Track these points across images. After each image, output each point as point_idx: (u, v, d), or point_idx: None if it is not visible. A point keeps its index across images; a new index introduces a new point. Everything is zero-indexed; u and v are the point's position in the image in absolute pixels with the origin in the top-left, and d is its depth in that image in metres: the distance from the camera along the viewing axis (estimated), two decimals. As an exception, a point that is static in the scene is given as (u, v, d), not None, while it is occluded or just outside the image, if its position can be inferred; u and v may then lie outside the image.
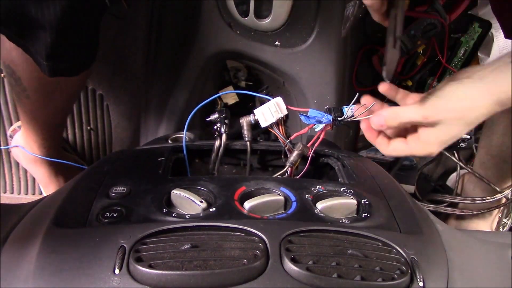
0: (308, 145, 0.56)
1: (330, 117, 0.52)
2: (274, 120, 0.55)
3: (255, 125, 0.57)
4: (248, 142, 0.58)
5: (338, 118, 0.52)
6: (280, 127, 0.56)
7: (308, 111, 0.53)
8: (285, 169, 0.56)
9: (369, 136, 0.53)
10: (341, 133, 0.96)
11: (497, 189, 0.87)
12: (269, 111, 0.55)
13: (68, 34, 0.56)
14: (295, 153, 0.55)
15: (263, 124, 0.55)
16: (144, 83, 0.95)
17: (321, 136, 0.55)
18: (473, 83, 0.45)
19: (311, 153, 0.55)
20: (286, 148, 0.57)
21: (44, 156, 0.85)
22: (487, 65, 0.46)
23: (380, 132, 0.53)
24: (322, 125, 0.54)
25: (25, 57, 0.59)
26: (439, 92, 0.47)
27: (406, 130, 0.52)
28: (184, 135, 0.57)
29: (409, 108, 0.48)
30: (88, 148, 1.02)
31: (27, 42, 0.56)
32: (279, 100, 0.55)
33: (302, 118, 0.54)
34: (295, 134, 0.57)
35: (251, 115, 0.57)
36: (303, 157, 0.56)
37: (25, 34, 0.54)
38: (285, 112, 0.55)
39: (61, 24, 0.53)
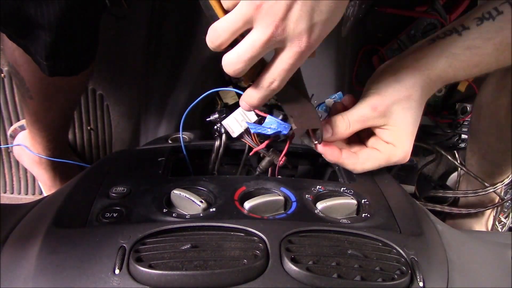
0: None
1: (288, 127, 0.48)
2: (242, 130, 0.53)
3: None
4: (247, 145, 0.58)
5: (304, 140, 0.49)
6: (251, 135, 0.54)
7: (267, 116, 0.48)
8: (255, 174, 0.56)
9: (331, 155, 0.49)
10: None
11: (486, 184, 0.88)
12: (236, 121, 0.53)
13: (67, 34, 0.56)
14: (266, 159, 0.55)
15: (233, 135, 0.54)
16: (144, 83, 0.95)
17: (287, 145, 0.52)
18: (403, 67, 0.48)
19: (281, 162, 0.53)
20: (261, 155, 0.56)
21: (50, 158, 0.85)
22: (412, 48, 0.50)
23: (340, 149, 0.50)
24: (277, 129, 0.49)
25: (27, 58, 0.59)
26: (376, 84, 0.48)
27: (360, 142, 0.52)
28: (181, 133, 0.57)
29: (356, 107, 0.48)
30: (88, 148, 1.02)
31: (27, 42, 0.56)
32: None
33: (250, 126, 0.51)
34: (263, 144, 0.53)
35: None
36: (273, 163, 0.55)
37: (24, 34, 0.54)
38: (254, 119, 0.52)
39: (60, 24, 0.53)
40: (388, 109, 0.47)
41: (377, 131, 0.50)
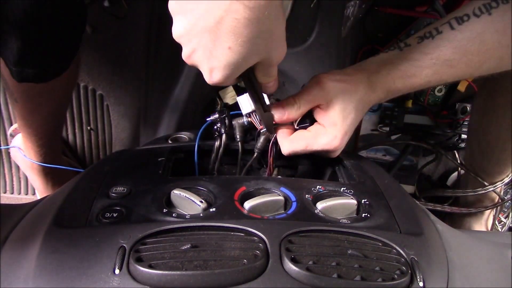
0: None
1: None
2: (250, 109, 0.53)
3: (255, 126, 0.57)
4: (239, 143, 0.58)
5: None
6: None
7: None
8: (254, 155, 0.57)
9: (279, 133, 0.54)
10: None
11: (485, 183, 0.88)
12: (247, 100, 0.53)
13: (34, 39, 0.54)
14: (261, 138, 0.56)
15: (243, 111, 0.55)
16: (144, 83, 0.95)
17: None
18: (353, 66, 0.54)
19: (274, 136, 0.55)
20: (259, 132, 0.57)
21: (40, 163, 0.83)
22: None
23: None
24: None
25: None
26: (327, 73, 0.52)
27: None
28: (197, 138, 0.57)
29: (305, 87, 0.52)
30: (88, 148, 1.02)
31: (0, 47, 0.54)
32: None
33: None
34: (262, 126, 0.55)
35: (244, 116, 0.57)
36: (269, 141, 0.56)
37: None
38: (267, 102, 0.54)
39: (25, 28, 0.51)
40: (331, 89, 0.50)
41: (316, 111, 0.53)
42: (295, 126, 0.54)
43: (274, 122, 0.52)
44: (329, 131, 0.51)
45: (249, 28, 0.36)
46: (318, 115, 0.52)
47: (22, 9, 0.49)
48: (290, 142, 0.52)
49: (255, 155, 0.57)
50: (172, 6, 0.40)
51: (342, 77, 0.51)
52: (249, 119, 0.56)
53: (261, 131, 0.56)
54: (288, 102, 0.52)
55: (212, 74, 0.42)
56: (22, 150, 0.86)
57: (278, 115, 0.51)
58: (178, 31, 0.41)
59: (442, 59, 0.50)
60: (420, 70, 0.50)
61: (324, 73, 0.52)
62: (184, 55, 0.44)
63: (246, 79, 0.47)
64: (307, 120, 0.54)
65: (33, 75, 0.59)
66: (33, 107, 0.72)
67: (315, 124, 0.53)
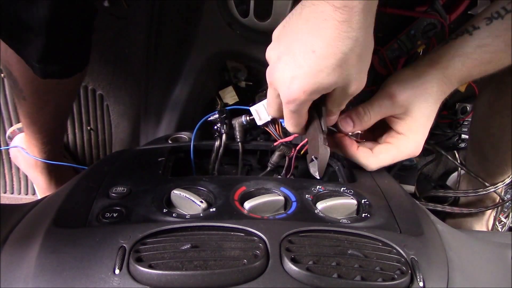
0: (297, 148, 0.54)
1: None
2: (269, 119, 0.54)
3: (255, 126, 0.57)
4: (240, 143, 0.58)
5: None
6: (276, 126, 0.55)
7: None
8: (267, 170, 0.56)
9: (349, 148, 0.51)
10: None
11: (486, 184, 0.88)
12: (264, 109, 0.53)
13: (58, 36, 0.56)
14: (276, 154, 0.55)
15: (258, 122, 0.54)
16: (144, 83, 0.95)
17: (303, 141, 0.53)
18: (422, 60, 0.51)
19: (294, 154, 0.53)
20: (272, 147, 0.56)
21: (45, 160, 0.85)
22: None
23: (358, 145, 0.52)
24: None
25: (19, 58, 0.59)
26: (397, 77, 0.50)
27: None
28: (193, 138, 0.57)
29: (374, 97, 0.50)
30: (88, 148, 1.02)
31: (19, 45, 0.56)
32: None
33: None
34: (281, 140, 0.54)
35: (243, 116, 0.56)
36: (284, 157, 0.55)
37: (16, 37, 0.54)
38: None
39: (50, 26, 0.53)
40: (405, 98, 0.48)
41: (392, 121, 0.51)
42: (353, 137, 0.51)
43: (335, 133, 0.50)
44: (412, 139, 0.49)
45: (336, 31, 0.34)
46: (396, 124, 0.50)
47: (48, 8, 0.50)
48: (376, 159, 0.50)
49: (267, 170, 0.56)
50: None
51: (415, 81, 0.48)
52: (266, 128, 0.55)
53: (277, 147, 0.54)
54: (357, 114, 0.49)
55: (292, 83, 0.38)
56: (24, 149, 0.86)
57: (345, 125, 0.49)
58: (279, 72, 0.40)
59: None
60: (495, 55, 0.48)
61: (394, 80, 0.49)
62: (270, 68, 0.41)
63: (313, 105, 0.43)
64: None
65: (57, 71, 0.61)
66: (41, 104, 0.73)
67: (393, 133, 0.51)
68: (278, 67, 0.39)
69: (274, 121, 0.55)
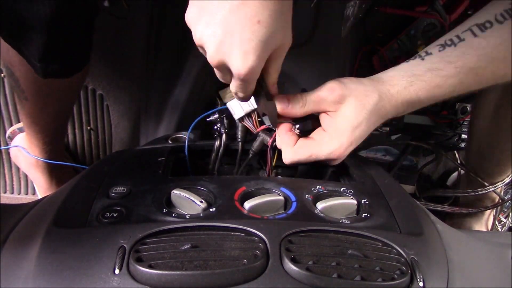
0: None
1: None
2: (243, 114, 0.54)
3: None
4: (240, 143, 0.58)
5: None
6: (253, 119, 0.55)
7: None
8: (249, 156, 0.56)
9: (282, 128, 0.52)
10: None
11: (486, 184, 0.88)
12: (239, 104, 0.54)
13: (59, 35, 0.56)
14: (258, 140, 0.56)
15: (235, 117, 0.55)
16: (144, 83, 0.95)
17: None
18: (372, 78, 0.51)
19: (270, 142, 0.54)
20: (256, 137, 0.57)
21: (47, 160, 0.85)
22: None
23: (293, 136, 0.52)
24: None
25: (21, 58, 0.59)
26: (341, 79, 0.50)
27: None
28: (188, 135, 0.57)
29: (315, 90, 0.50)
30: (88, 148, 1.02)
31: (20, 44, 0.56)
32: None
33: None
34: (262, 127, 0.55)
35: (237, 121, 0.57)
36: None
37: (17, 36, 0.54)
38: (255, 105, 0.53)
39: (52, 25, 0.53)
40: (343, 97, 0.48)
41: (323, 117, 0.51)
42: (295, 129, 0.52)
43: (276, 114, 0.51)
44: (335, 140, 0.49)
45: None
46: (325, 121, 0.51)
47: (49, 6, 0.51)
48: (293, 152, 0.50)
49: (249, 156, 0.57)
50: (190, 14, 0.42)
51: (357, 86, 0.49)
52: (242, 123, 0.56)
53: (258, 134, 0.56)
54: (294, 97, 0.50)
55: (247, 58, 0.40)
56: (25, 149, 0.86)
57: (281, 106, 0.50)
58: (200, 33, 0.42)
59: (467, 67, 0.47)
60: (445, 79, 0.48)
61: (339, 79, 0.50)
62: (211, 53, 0.43)
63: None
64: (308, 122, 0.53)
65: (58, 70, 0.61)
66: (43, 104, 0.73)
67: (319, 130, 0.51)
68: (223, 47, 0.41)
69: (249, 115, 0.55)
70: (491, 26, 0.47)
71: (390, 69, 0.51)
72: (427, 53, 0.50)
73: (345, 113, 0.49)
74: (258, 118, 0.55)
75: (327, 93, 0.49)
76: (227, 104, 0.55)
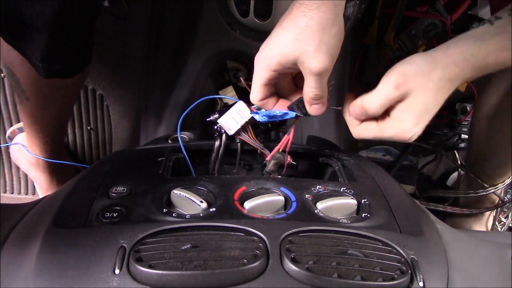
0: (281, 147, 0.54)
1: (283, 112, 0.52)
2: (238, 127, 0.54)
3: (255, 125, 0.57)
4: (239, 144, 0.58)
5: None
6: (248, 132, 0.55)
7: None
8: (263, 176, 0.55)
9: (345, 112, 0.53)
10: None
11: (486, 185, 0.88)
12: (232, 119, 0.54)
13: (61, 35, 0.56)
14: (272, 162, 0.54)
15: (230, 132, 0.54)
16: (144, 83, 0.95)
17: (291, 138, 0.54)
18: (438, 48, 0.49)
19: (289, 161, 0.54)
20: (259, 152, 0.56)
21: (47, 159, 0.85)
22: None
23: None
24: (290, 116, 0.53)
25: (22, 59, 0.59)
26: (403, 61, 0.49)
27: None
28: (178, 133, 0.57)
29: (380, 85, 0.48)
30: (88, 148, 1.02)
31: (22, 44, 0.56)
32: (240, 105, 0.54)
33: (255, 117, 0.53)
34: (273, 151, 0.54)
35: (235, 135, 0.57)
36: (281, 165, 0.55)
37: (19, 36, 0.54)
38: (249, 116, 0.53)
39: (54, 25, 0.53)
40: (409, 88, 0.47)
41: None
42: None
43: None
44: (397, 125, 0.48)
45: (297, 10, 0.45)
46: (393, 109, 0.49)
47: (51, 6, 0.50)
48: (357, 132, 0.52)
49: (263, 176, 0.56)
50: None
51: (419, 69, 0.47)
52: (239, 137, 0.55)
53: (273, 156, 0.54)
54: (365, 103, 0.49)
55: (261, 52, 0.48)
56: (26, 148, 0.86)
57: (354, 112, 0.50)
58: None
59: None
60: None
61: (401, 68, 0.48)
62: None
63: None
64: None
65: (60, 70, 0.61)
66: (44, 104, 0.73)
67: (383, 113, 0.50)
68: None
69: (244, 128, 0.55)
70: None
71: (459, 36, 0.49)
72: (497, 18, 0.48)
73: (408, 99, 0.48)
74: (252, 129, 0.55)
75: (394, 91, 0.47)
76: (219, 121, 0.54)
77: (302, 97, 0.51)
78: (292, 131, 0.54)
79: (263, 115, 0.52)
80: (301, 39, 0.45)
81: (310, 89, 0.48)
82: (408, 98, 0.48)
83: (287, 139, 0.54)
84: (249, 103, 0.54)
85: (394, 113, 0.49)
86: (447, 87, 0.48)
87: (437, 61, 0.48)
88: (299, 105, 0.52)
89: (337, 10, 0.45)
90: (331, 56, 0.45)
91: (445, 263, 0.38)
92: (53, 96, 0.72)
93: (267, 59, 0.48)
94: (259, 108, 0.54)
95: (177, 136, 0.62)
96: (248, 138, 0.55)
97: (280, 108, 0.52)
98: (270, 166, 0.54)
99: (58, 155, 0.87)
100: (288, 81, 0.53)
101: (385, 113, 0.50)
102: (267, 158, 0.54)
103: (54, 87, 0.69)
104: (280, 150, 0.54)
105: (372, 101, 0.49)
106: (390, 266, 0.35)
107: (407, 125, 0.48)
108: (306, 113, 0.51)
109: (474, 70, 0.48)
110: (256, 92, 0.51)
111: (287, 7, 0.55)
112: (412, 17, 0.98)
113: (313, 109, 0.50)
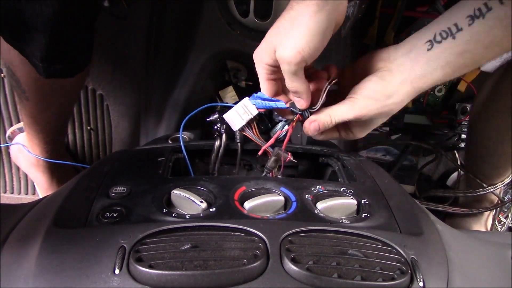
0: (283, 148, 0.54)
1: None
2: (244, 123, 0.54)
3: (257, 125, 0.57)
4: (239, 144, 0.58)
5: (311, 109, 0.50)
6: (253, 128, 0.55)
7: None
8: (263, 174, 0.55)
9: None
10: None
11: (484, 185, 0.88)
12: (238, 114, 0.53)
13: (62, 35, 0.56)
14: (272, 159, 0.54)
15: (234, 128, 0.54)
16: (144, 83, 0.95)
17: (288, 134, 0.54)
18: (393, 77, 0.47)
19: (289, 159, 0.54)
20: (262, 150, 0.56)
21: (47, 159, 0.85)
22: (402, 48, 0.48)
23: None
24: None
25: (22, 58, 0.59)
26: (365, 92, 0.48)
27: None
28: (180, 134, 0.57)
29: (342, 109, 0.48)
30: (88, 148, 1.02)
31: (22, 44, 0.56)
32: (246, 101, 0.53)
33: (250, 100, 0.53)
34: (266, 144, 0.54)
35: (237, 132, 0.56)
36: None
37: (19, 36, 0.54)
38: (255, 113, 0.53)
39: (54, 25, 0.53)
40: (368, 120, 0.49)
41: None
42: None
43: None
44: (354, 136, 0.53)
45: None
46: (352, 125, 0.52)
47: (52, 6, 0.50)
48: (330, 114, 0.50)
49: (263, 174, 0.56)
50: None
51: (380, 103, 0.47)
52: (243, 133, 0.55)
53: (273, 153, 0.54)
54: (325, 118, 0.49)
55: (358, 134, 0.52)
56: (26, 147, 0.86)
57: (313, 129, 0.50)
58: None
59: (494, 43, 0.44)
60: (473, 60, 0.45)
61: (360, 89, 0.48)
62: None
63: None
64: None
65: (60, 70, 0.61)
66: (44, 104, 0.73)
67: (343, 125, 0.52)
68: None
69: (249, 124, 0.55)
70: None
71: (422, 55, 0.46)
72: (458, 28, 0.45)
73: (370, 125, 0.51)
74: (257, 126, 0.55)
75: (354, 119, 0.48)
76: (224, 116, 0.54)
77: None
78: (290, 130, 0.54)
79: (256, 97, 0.53)
80: (281, 30, 0.45)
81: (285, 80, 0.48)
82: (368, 122, 0.51)
83: (279, 133, 0.55)
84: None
85: (353, 130, 0.52)
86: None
87: (401, 96, 0.47)
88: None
89: (322, 4, 0.43)
90: (297, 49, 0.43)
91: (445, 263, 0.38)
92: (53, 96, 0.72)
93: (259, 54, 0.48)
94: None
95: (177, 136, 0.62)
96: (252, 134, 0.55)
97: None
98: (270, 162, 0.54)
99: (58, 155, 0.87)
100: None
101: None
102: (261, 150, 0.54)
103: (55, 87, 0.69)
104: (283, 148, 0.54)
105: (330, 121, 0.49)
106: (390, 266, 0.35)
107: (360, 136, 0.51)
108: (303, 112, 0.51)
109: (430, 86, 0.47)
110: (263, 88, 0.52)
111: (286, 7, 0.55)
112: (412, 17, 0.98)
113: (296, 102, 0.50)
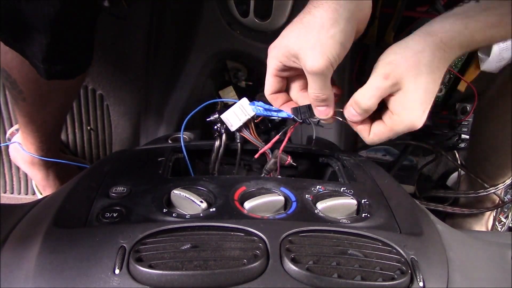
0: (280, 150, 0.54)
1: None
2: (241, 123, 0.54)
3: (256, 125, 0.57)
4: (239, 144, 0.58)
5: (312, 118, 0.50)
6: (250, 129, 0.55)
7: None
8: (262, 175, 0.55)
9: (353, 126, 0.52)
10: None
11: (486, 185, 0.88)
12: (235, 115, 0.54)
13: (63, 36, 0.56)
14: (271, 161, 0.54)
15: (231, 128, 0.55)
16: (144, 83, 0.95)
17: (286, 139, 0.53)
18: (419, 31, 0.47)
19: (289, 161, 0.54)
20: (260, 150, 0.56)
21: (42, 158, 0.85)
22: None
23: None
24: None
25: (19, 60, 0.59)
26: (387, 54, 0.47)
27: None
28: (181, 134, 0.57)
29: (369, 80, 0.47)
30: (88, 148, 1.02)
31: (23, 45, 0.56)
32: (244, 101, 0.54)
33: (252, 107, 0.53)
34: (264, 147, 0.54)
35: (236, 132, 0.56)
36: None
37: (20, 37, 0.54)
38: (252, 113, 0.53)
39: (55, 26, 0.53)
40: (399, 76, 0.46)
41: (387, 99, 0.48)
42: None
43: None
44: (405, 116, 0.47)
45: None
46: (390, 102, 0.48)
47: (53, 6, 0.50)
48: (371, 139, 0.50)
49: (262, 175, 0.56)
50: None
51: (405, 54, 0.46)
52: (240, 133, 0.55)
53: (273, 155, 0.54)
54: (358, 96, 0.48)
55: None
56: (21, 145, 0.86)
57: (350, 116, 0.49)
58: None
59: None
60: (501, 18, 0.44)
61: (388, 57, 0.47)
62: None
63: None
64: None
65: (61, 71, 0.61)
66: (41, 105, 0.73)
67: (388, 113, 0.49)
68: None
69: (246, 125, 0.55)
70: None
71: (443, 15, 0.47)
72: None
73: (407, 89, 0.46)
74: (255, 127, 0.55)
75: (383, 82, 0.46)
76: (222, 116, 0.54)
77: (308, 104, 0.51)
78: (288, 133, 0.54)
79: (258, 106, 0.53)
80: (301, 35, 0.45)
81: (310, 89, 0.47)
82: (404, 87, 0.46)
83: (277, 138, 0.54)
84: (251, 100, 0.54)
85: (397, 108, 0.47)
86: (440, 67, 0.47)
87: (424, 43, 0.46)
88: (301, 109, 0.51)
89: (341, 11, 0.44)
90: (326, 57, 0.44)
91: (445, 263, 0.38)
92: (51, 97, 0.72)
93: (275, 49, 0.48)
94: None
95: (177, 136, 0.62)
96: (249, 135, 0.55)
97: (285, 109, 0.52)
98: (269, 164, 0.54)
99: (54, 153, 0.87)
100: (301, 85, 0.53)
101: (388, 111, 0.49)
102: (259, 153, 0.54)
103: (53, 87, 0.69)
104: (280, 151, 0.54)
105: (364, 94, 0.47)
106: (390, 266, 0.35)
107: (415, 115, 0.46)
108: (304, 119, 0.51)
109: (463, 47, 0.47)
110: (267, 83, 0.51)
111: (286, 7, 0.56)
112: (412, 17, 0.98)
113: (317, 112, 0.50)
